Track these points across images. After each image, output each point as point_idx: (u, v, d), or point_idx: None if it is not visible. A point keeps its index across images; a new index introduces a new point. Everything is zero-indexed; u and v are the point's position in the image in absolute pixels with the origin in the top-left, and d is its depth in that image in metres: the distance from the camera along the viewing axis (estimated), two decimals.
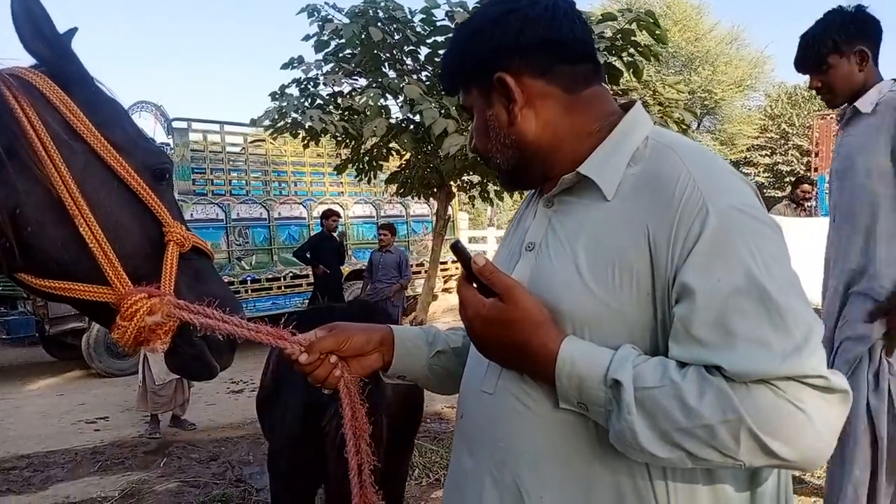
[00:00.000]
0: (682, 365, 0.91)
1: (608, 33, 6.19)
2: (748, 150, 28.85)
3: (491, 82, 1.09)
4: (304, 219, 11.70)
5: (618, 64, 6.28)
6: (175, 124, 10.46)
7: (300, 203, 11.76)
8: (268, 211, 11.22)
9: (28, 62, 1.25)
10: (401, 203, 12.98)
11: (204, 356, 1.32)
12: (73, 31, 1.33)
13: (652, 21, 6.11)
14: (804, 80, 2.77)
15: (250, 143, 11.38)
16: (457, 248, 1.06)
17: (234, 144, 11.34)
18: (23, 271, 1.21)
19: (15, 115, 1.15)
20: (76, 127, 1.21)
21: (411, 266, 9.84)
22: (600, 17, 6.32)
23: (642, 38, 6.41)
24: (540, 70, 1.07)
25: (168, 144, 10.38)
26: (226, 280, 10.43)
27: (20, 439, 6.31)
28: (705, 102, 28.10)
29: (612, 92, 6.90)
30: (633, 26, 6.18)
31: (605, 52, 6.13)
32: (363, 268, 10.33)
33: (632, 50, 6.29)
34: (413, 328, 1.35)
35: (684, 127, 7.23)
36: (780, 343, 0.86)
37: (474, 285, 1.04)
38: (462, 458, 1.18)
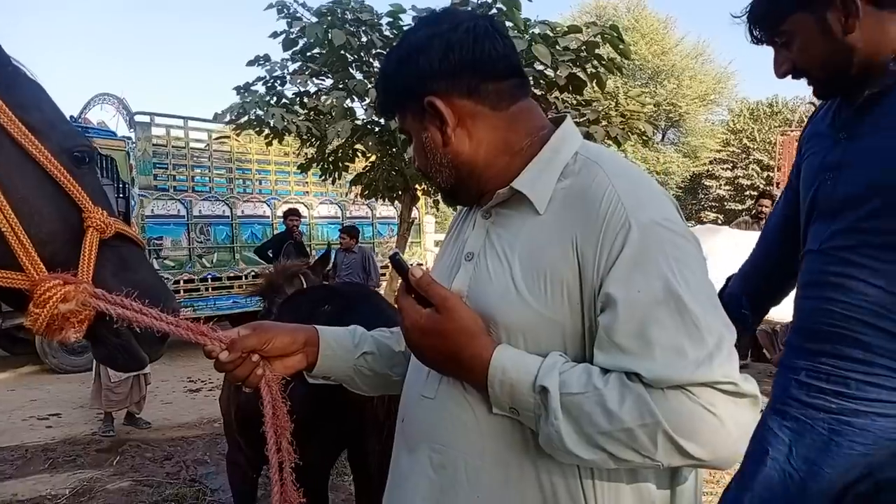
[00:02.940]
0: (605, 371, 0.96)
1: (573, 45, 6.31)
2: (710, 163, 29.45)
3: (422, 106, 1.12)
4: (268, 217, 11.60)
5: (582, 75, 6.41)
6: (137, 118, 10.28)
7: (264, 201, 11.66)
8: (230, 208, 11.10)
9: None
10: (367, 205, 12.95)
11: (130, 347, 1.28)
12: None
13: (616, 35, 6.26)
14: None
15: (215, 139, 11.23)
16: (395, 260, 1.10)
17: (198, 140, 11.17)
18: None
19: None
20: None
21: (377, 265, 9.82)
22: (566, 30, 6.45)
23: (606, 51, 6.55)
24: (467, 90, 1.11)
25: (129, 138, 10.21)
26: (186, 277, 10.33)
27: None
28: (670, 115, 28.65)
29: (576, 102, 7.04)
30: (598, 39, 6.31)
31: (570, 64, 6.26)
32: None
33: (595, 62, 6.42)
34: (340, 329, 1.35)
35: (646, 138, 7.41)
36: (694, 351, 0.92)
37: (413, 296, 1.08)
38: (401, 460, 1.21)
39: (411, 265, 1.08)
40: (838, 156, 1.52)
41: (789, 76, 1.56)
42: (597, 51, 6.37)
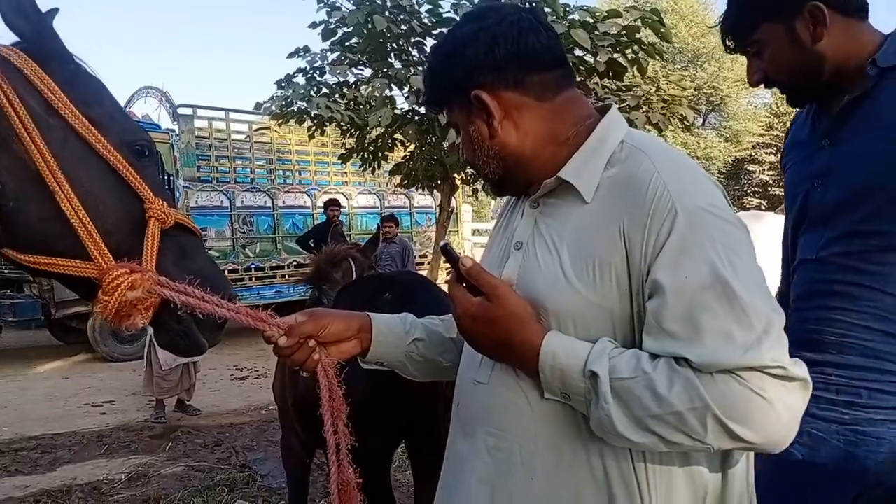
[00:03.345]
0: (654, 356, 0.98)
1: (613, 30, 6.23)
2: (753, 147, 28.82)
3: (469, 99, 1.15)
4: (309, 207, 11.75)
5: (622, 60, 6.33)
6: (180, 110, 10.48)
7: (304, 192, 11.81)
8: (272, 199, 11.26)
9: (9, 40, 1.25)
10: (405, 194, 13.01)
11: (191, 332, 1.31)
12: (53, 10, 1.34)
13: (657, 19, 6.16)
14: None
15: (255, 130, 11.39)
16: (446, 250, 1.13)
17: (239, 132, 11.35)
18: (7, 246, 1.23)
19: None
20: (54, 104, 1.21)
21: (414, 258, 9.89)
22: (605, 15, 6.38)
23: (647, 35, 6.46)
24: (513, 83, 1.13)
25: (173, 130, 10.42)
26: (230, 267, 10.53)
27: (27, 421, 6.39)
28: (711, 99, 28.08)
29: (615, 88, 6.95)
30: (638, 23, 6.22)
31: (610, 49, 6.19)
32: None
33: (636, 47, 6.33)
34: (392, 316, 1.39)
35: (687, 123, 7.30)
36: (742, 336, 0.93)
37: (464, 285, 1.11)
38: (457, 442, 1.24)
39: (462, 255, 1.11)
40: (824, 162, 1.51)
41: (762, 85, 1.58)
42: (637, 35, 6.28)
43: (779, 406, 0.92)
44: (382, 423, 2.59)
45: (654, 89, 7.62)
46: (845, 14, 1.44)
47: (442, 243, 1.20)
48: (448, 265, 1.15)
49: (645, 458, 1.05)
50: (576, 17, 6.36)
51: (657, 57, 6.68)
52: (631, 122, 6.61)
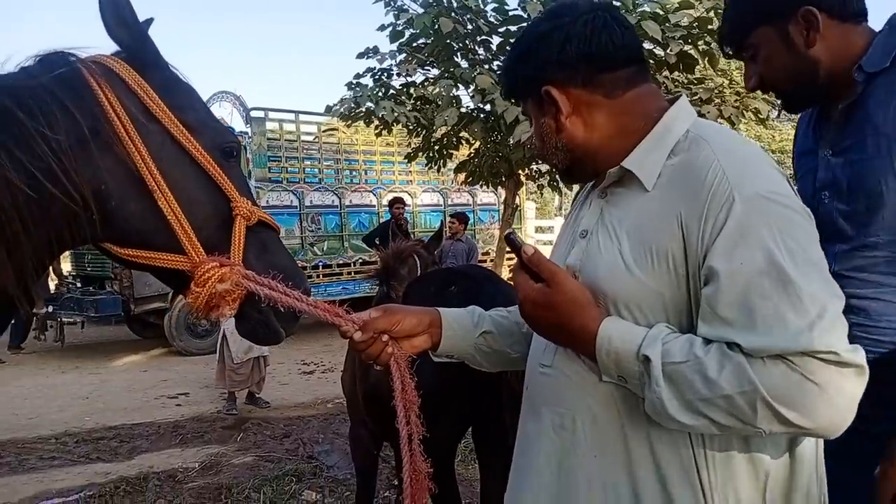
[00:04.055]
0: (708, 342, 0.99)
1: (685, 22, 6.08)
2: None
3: (541, 95, 1.19)
4: (374, 206, 11.90)
5: (693, 53, 6.17)
6: (253, 114, 10.78)
7: (370, 191, 11.97)
8: (339, 198, 11.46)
9: (109, 50, 1.35)
10: (468, 192, 13.04)
11: (270, 322, 1.39)
12: (149, 20, 1.43)
13: None
14: None
15: (323, 132, 11.62)
16: (510, 239, 1.17)
17: (308, 133, 11.59)
18: (107, 241, 1.32)
19: (98, 99, 1.24)
20: (153, 109, 1.30)
21: (478, 256, 9.89)
22: (677, 6, 6.22)
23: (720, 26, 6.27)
24: (582, 80, 1.17)
25: (246, 133, 10.72)
26: (299, 265, 10.71)
27: (108, 412, 6.70)
28: None
29: (687, 81, 6.77)
30: (711, 14, 6.05)
31: (681, 41, 6.03)
32: None
33: (708, 38, 6.16)
34: (461, 310, 1.43)
35: (761, 117, 7.06)
36: (795, 321, 0.93)
37: (526, 273, 1.15)
38: (527, 425, 1.28)
39: (524, 244, 1.15)
40: (829, 173, 1.48)
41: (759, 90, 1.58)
42: (709, 27, 6.10)
43: (830, 391, 0.92)
44: (449, 413, 2.61)
45: (726, 82, 7.40)
46: (841, 19, 1.43)
47: (507, 232, 1.23)
48: (512, 254, 1.19)
49: (704, 444, 1.06)
50: (646, 8, 6.23)
51: (732, 58, 6.49)
52: (702, 116, 6.37)
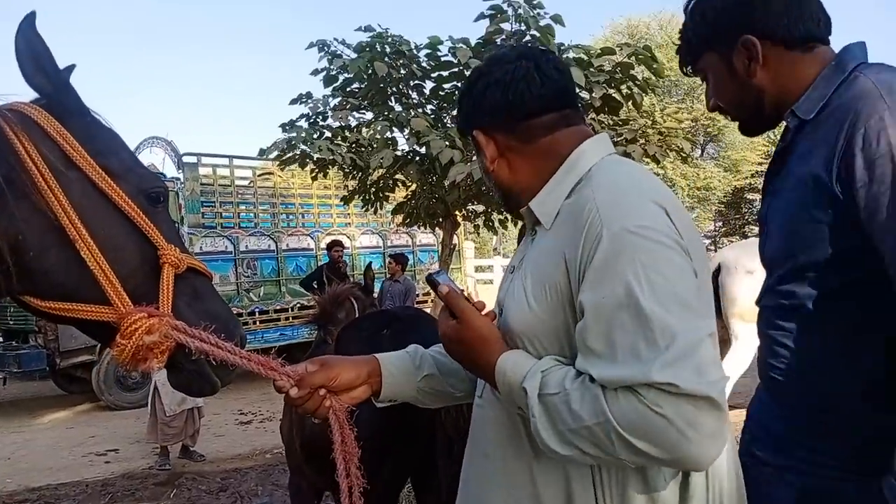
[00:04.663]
0: (579, 373, 1.04)
1: (607, 67, 6.34)
2: (752, 176, 28.91)
3: (473, 136, 1.30)
4: (312, 250, 11.79)
5: (617, 96, 6.43)
6: (185, 159, 10.60)
7: (308, 234, 11.87)
8: (276, 242, 11.31)
9: (29, 96, 1.31)
10: (407, 233, 13.08)
11: (204, 373, 1.35)
12: (71, 67, 1.40)
13: (649, 55, 6.28)
14: None
15: (259, 176, 11.51)
16: (430, 279, 1.27)
17: (242, 178, 11.46)
18: (26, 293, 1.26)
19: (13, 147, 1.20)
20: (72, 156, 1.26)
21: (417, 296, 9.91)
22: (599, 52, 6.50)
23: (640, 70, 6.57)
24: (503, 127, 1.25)
25: (178, 179, 10.53)
26: (235, 311, 10.47)
27: (31, 472, 6.34)
28: (708, 130, 28.30)
29: (612, 122, 7.04)
30: (632, 60, 6.34)
31: (605, 85, 6.29)
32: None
33: (630, 83, 6.44)
34: (400, 353, 1.44)
35: (684, 155, 7.38)
36: (646, 353, 0.96)
37: (448, 311, 1.22)
38: (468, 454, 1.34)
39: (441, 284, 1.23)
40: (764, 211, 1.49)
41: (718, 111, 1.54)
42: (631, 71, 6.40)
43: (679, 423, 0.93)
44: (390, 462, 2.58)
45: (649, 122, 7.72)
46: (786, 47, 1.37)
47: (428, 273, 1.28)
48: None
49: (602, 474, 1.11)
50: (570, 55, 6.48)
51: (651, 91, 6.79)
52: (628, 155, 6.73)
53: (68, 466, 6.54)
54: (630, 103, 6.69)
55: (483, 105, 1.26)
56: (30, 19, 1.26)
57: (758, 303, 1.49)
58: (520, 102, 1.22)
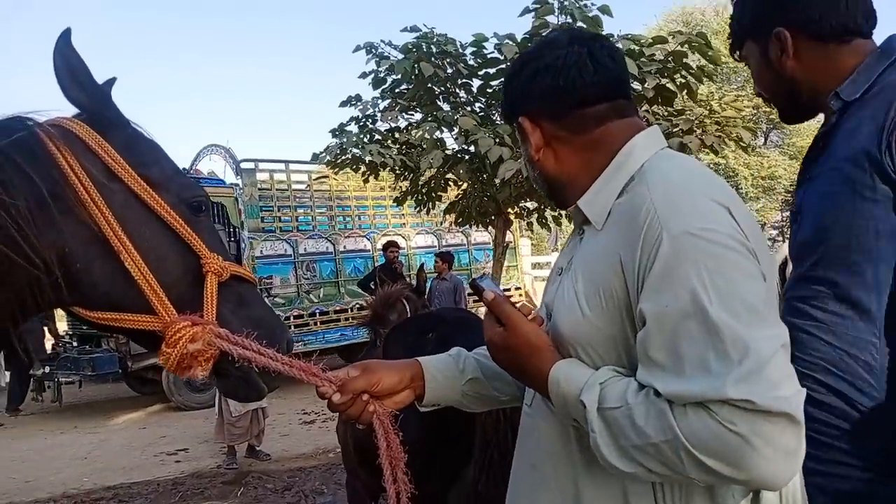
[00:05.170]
0: (642, 386, 0.98)
1: (659, 56, 6.21)
2: None
3: (519, 124, 1.24)
4: (369, 251, 11.94)
5: (670, 86, 6.29)
6: (243, 165, 10.87)
7: (364, 236, 12.03)
8: (333, 245, 11.50)
9: (70, 111, 1.34)
10: (462, 232, 13.10)
11: (250, 378, 1.36)
12: (112, 80, 1.43)
13: (703, 42, 6.12)
14: None
15: (314, 179, 11.71)
16: (474, 285, 1.21)
17: (299, 182, 11.69)
18: (75, 304, 1.29)
19: (56, 162, 1.23)
20: (114, 169, 1.28)
21: (466, 292, 9.90)
22: (651, 41, 6.36)
23: (695, 59, 6.42)
24: (550, 115, 1.19)
25: (237, 184, 10.80)
26: (295, 313, 10.75)
27: (106, 471, 6.63)
28: (771, 117, 27.35)
29: (666, 113, 6.88)
30: (685, 48, 6.18)
31: (657, 75, 6.16)
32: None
33: (684, 72, 6.28)
34: (444, 356, 1.41)
35: (744, 145, 7.17)
36: (716, 366, 0.90)
37: (493, 316, 1.17)
38: (515, 462, 1.30)
39: (486, 289, 1.17)
40: (799, 200, 1.45)
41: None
42: (684, 60, 6.24)
43: (755, 441, 0.87)
44: (436, 465, 2.59)
45: (707, 112, 7.52)
46: (819, 39, 1.37)
47: (472, 278, 1.25)
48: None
49: (664, 492, 1.04)
50: (620, 45, 6.38)
51: (707, 79, 6.62)
52: (684, 147, 6.57)
53: (141, 465, 6.81)
54: (685, 93, 6.53)
55: (532, 90, 1.19)
56: (65, 36, 1.29)
57: (784, 294, 1.44)
58: (571, 89, 1.15)
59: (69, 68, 1.30)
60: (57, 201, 1.23)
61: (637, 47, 6.27)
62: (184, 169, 10.95)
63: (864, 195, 1.25)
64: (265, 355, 1.27)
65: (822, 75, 1.39)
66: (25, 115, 1.30)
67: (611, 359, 1.06)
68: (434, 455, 2.53)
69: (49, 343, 10.68)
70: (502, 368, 1.20)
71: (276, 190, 11.21)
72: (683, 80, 6.35)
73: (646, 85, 6.18)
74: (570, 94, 1.16)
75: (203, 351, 1.25)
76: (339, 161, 7.28)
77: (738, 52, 1.58)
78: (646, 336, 0.97)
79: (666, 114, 7.01)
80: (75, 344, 10.21)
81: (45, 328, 10.55)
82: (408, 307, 3.73)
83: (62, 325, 11.04)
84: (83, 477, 6.45)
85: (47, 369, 9.65)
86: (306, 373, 1.28)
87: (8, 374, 9.95)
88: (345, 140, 7.13)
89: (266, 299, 10.24)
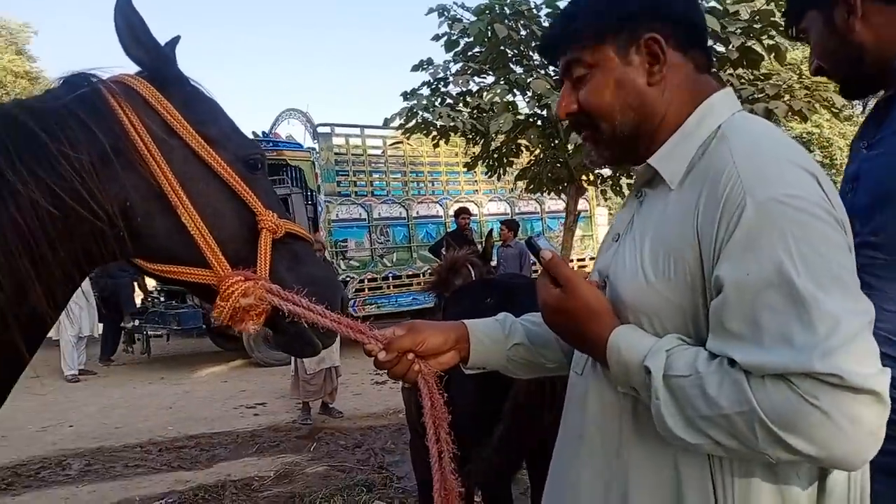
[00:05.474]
0: (713, 356, 0.94)
1: (744, 14, 5.88)
2: None
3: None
4: (441, 217, 12.01)
5: (757, 48, 5.96)
6: (319, 129, 11.07)
7: (437, 202, 12.10)
8: (406, 210, 11.63)
9: (133, 69, 1.39)
10: (535, 199, 12.98)
11: (305, 335, 1.40)
12: (176, 38, 1.48)
13: None
14: None
15: (389, 145, 11.82)
16: (531, 244, 1.17)
17: (374, 147, 11.82)
18: (137, 257, 1.34)
19: (118, 118, 1.27)
20: (173, 125, 1.32)
21: (531, 259, 9.83)
22: None
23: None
24: (676, 42, 1.12)
25: (314, 149, 11.01)
26: (369, 276, 10.98)
27: (189, 420, 7.01)
28: None
29: (752, 77, 6.54)
30: (772, 6, 5.84)
31: (742, 35, 5.84)
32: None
33: (772, 32, 5.94)
34: (490, 320, 1.40)
35: (835, 110, 6.77)
36: (802, 338, 0.86)
37: (548, 278, 1.13)
38: (563, 438, 1.27)
39: (543, 248, 1.13)
40: (857, 166, 1.41)
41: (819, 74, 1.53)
42: (772, 19, 5.89)
43: (838, 417, 0.84)
44: (493, 433, 2.59)
45: (796, 77, 7.11)
46: (887, 2, 1.35)
47: (528, 237, 1.23)
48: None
49: (723, 466, 1.00)
50: (703, 3, 6.09)
51: (797, 41, 6.25)
52: (770, 113, 6.23)
53: (221, 417, 7.15)
54: (773, 56, 6.18)
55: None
56: None
57: None
58: (696, 24, 1.13)
59: (130, 28, 1.34)
60: (119, 156, 1.28)
61: (720, 5, 5.95)
62: (262, 132, 11.24)
63: None
64: (314, 311, 1.30)
65: (888, 39, 1.36)
66: (89, 71, 1.35)
67: (675, 328, 1.02)
68: (491, 424, 2.54)
69: (139, 298, 11.28)
70: (556, 332, 1.17)
71: (352, 155, 11.38)
72: (772, 42, 6.01)
73: (730, 46, 5.88)
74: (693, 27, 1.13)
75: (255, 305, 1.29)
76: (409, 125, 7.28)
77: (793, 29, 1.56)
78: (722, 304, 0.93)
79: (752, 78, 6.65)
80: (162, 299, 10.75)
81: (135, 283, 11.13)
82: (473, 272, 3.71)
83: (151, 281, 11.63)
84: (168, 425, 6.84)
85: (137, 322, 10.24)
86: (353, 330, 1.30)
87: (101, 325, 10.56)
88: (415, 103, 7.11)
89: (341, 262, 10.56)
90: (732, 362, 0.91)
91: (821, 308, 0.86)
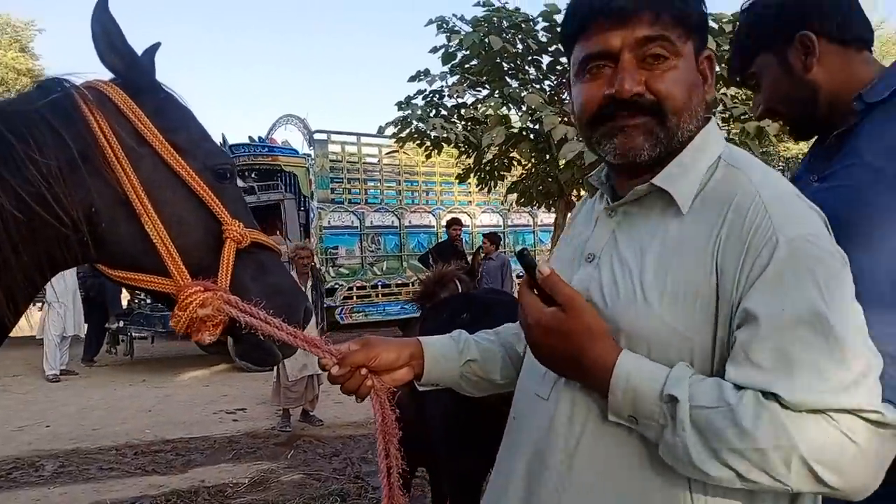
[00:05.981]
0: (738, 388, 0.92)
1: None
2: None
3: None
4: (433, 227, 12.00)
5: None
6: (316, 136, 11.07)
7: (429, 212, 12.09)
8: (399, 219, 11.62)
9: (108, 75, 1.39)
10: (528, 212, 12.98)
11: (264, 345, 1.38)
12: (156, 45, 1.48)
13: None
14: None
15: (385, 153, 11.82)
16: (523, 256, 1.10)
17: (370, 155, 11.83)
18: (100, 262, 1.34)
19: (88, 124, 1.27)
20: (143, 133, 1.32)
21: (512, 270, 9.77)
22: (731, 18, 6.05)
23: None
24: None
25: (309, 155, 11.00)
26: (359, 284, 10.94)
27: (167, 424, 6.92)
28: None
29: (745, 96, 6.52)
30: None
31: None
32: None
33: None
34: (445, 338, 1.39)
35: None
36: (838, 375, 0.87)
37: (536, 293, 1.06)
38: (511, 461, 1.19)
39: (540, 262, 1.07)
40: (809, 198, 1.38)
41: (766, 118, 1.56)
42: None
43: (869, 452, 0.87)
44: (469, 444, 2.56)
45: None
46: (841, 44, 1.42)
47: (519, 248, 1.18)
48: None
49: (705, 491, 0.97)
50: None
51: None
52: (761, 130, 6.21)
53: (200, 421, 7.07)
54: None
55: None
56: (102, 2, 1.33)
57: None
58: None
59: (106, 35, 1.34)
60: (86, 162, 1.28)
61: (716, 23, 5.94)
62: (259, 137, 11.22)
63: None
64: (271, 324, 1.29)
65: (841, 81, 1.41)
66: (63, 76, 1.35)
67: (677, 357, 0.98)
68: (469, 431, 2.49)
69: (125, 299, 11.20)
70: (541, 353, 1.07)
71: (347, 162, 11.39)
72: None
73: (723, 65, 5.88)
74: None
75: (212, 316, 1.27)
76: (402, 134, 7.27)
77: (738, 75, 1.58)
78: (752, 338, 0.92)
79: (744, 97, 6.64)
80: (148, 301, 10.66)
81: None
82: (460, 288, 3.68)
83: None
84: (146, 429, 6.76)
85: (121, 324, 10.15)
86: (309, 344, 1.29)
87: (86, 326, 10.47)
88: (409, 112, 7.11)
89: (331, 269, 10.52)
90: (766, 395, 0.90)
91: (853, 347, 0.89)
